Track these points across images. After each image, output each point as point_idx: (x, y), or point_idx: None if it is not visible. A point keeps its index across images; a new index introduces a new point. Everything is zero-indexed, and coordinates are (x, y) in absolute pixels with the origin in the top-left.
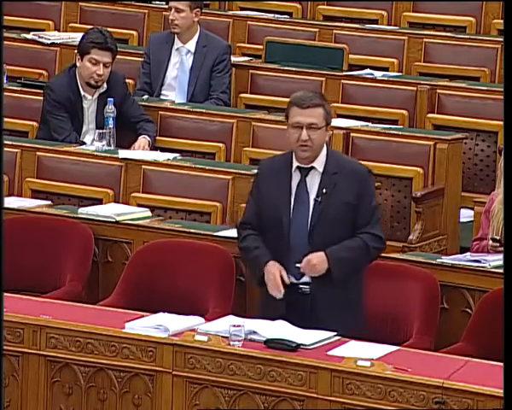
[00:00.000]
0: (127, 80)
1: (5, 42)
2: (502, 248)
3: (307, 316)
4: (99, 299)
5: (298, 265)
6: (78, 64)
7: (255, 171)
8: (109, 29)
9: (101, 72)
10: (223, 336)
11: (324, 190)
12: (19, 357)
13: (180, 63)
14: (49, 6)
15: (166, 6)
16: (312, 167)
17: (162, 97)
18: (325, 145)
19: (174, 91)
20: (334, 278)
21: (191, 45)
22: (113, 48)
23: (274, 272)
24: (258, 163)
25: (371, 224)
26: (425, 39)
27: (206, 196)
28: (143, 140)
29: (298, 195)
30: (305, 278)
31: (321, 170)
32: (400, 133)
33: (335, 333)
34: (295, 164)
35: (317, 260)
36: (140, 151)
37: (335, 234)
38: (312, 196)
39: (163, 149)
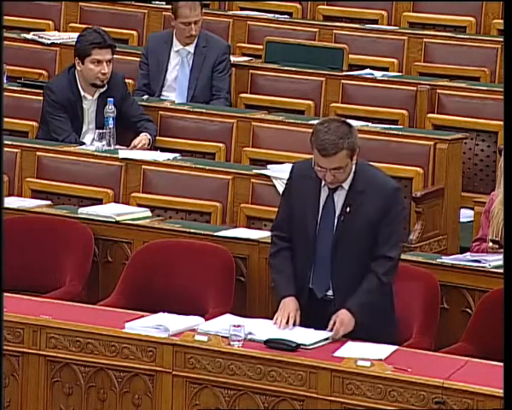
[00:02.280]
0: (127, 80)
1: (5, 42)
2: (501, 250)
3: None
4: (99, 299)
5: (329, 330)
6: (78, 68)
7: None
8: (109, 29)
9: (106, 70)
10: (223, 336)
11: (348, 209)
12: (19, 357)
13: (180, 65)
14: (49, 6)
15: (166, 6)
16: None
17: (162, 98)
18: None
19: (174, 92)
20: (357, 322)
21: (191, 47)
22: (112, 44)
23: (287, 312)
24: (257, 162)
25: (388, 245)
26: (425, 39)
27: (206, 196)
28: (144, 136)
29: (325, 210)
30: (329, 292)
31: (347, 188)
32: (400, 133)
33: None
34: None
35: (345, 322)
36: (140, 151)
37: (358, 251)
38: (338, 213)
39: (163, 149)
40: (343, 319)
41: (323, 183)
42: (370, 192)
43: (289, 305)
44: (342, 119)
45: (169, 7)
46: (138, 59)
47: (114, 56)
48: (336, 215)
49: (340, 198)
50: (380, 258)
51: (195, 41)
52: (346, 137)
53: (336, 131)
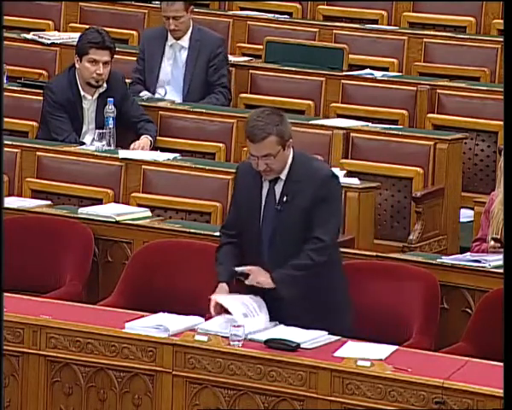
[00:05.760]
0: (127, 80)
1: (5, 42)
2: (502, 249)
3: (278, 315)
4: (99, 299)
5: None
6: (77, 65)
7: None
8: (109, 29)
9: (101, 71)
10: (223, 336)
11: (285, 199)
12: (19, 357)
13: (173, 59)
14: (49, 6)
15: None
16: (278, 177)
17: (157, 95)
18: (291, 153)
19: (169, 86)
20: (284, 297)
21: (185, 41)
22: (111, 46)
23: (213, 300)
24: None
25: (318, 226)
26: (425, 39)
27: (206, 196)
28: (145, 140)
29: (267, 203)
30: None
31: (284, 178)
32: (400, 133)
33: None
34: None
35: (257, 273)
36: (140, 151)
37: (296, 239)
38: (277, 203)
39: (163, 149)
40: (256, 273)
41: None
42: (305, 181)
43: (217, 290)
44: (274, 109)
45: None
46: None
47: (114, 56)
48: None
49: (279, 189)
50: (311, 239)
51: (188, 35)
52: (274, 123)
53: (265, 119)
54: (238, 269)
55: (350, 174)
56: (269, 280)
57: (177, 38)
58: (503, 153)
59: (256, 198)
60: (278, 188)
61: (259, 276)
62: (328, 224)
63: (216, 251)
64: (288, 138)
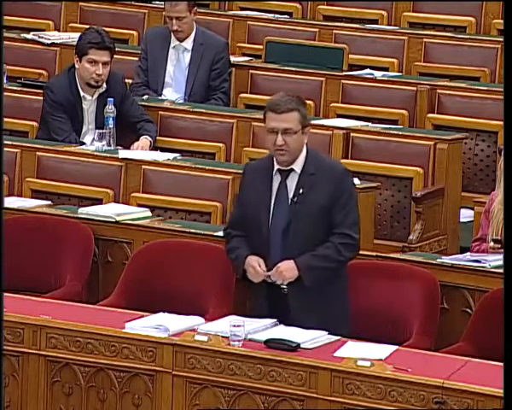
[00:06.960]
0: (127, 80)
1: (5, 42)
2: (502, 250)
3: (286, 316)
4: (99, 299)
5: (268, 273)
6: (76, 66)
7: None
8: (109, 29)
9: (101, 71)
10: (223, 336)
11: (301, 191)
12: (19, 357)
13: (177, 61)
14: (49, 6)
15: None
16: (292, 169)
17: (163, 97)
18: (305, 146)
19: (171, 88)
20: (306, 285)
21: (188, 43)
22: (111, 46)
23: (253, 265)
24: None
25: (345, 224)
26: (425, 39)
27: (206, 196)
28: (145, 140)
29: (278, 197)
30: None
31: (299, 171)
32: (400, 133)
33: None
34: (276, 167)
35: (284, 268)
36: (140, 151)
37: (311, 234)
38: (291, 196)
39: (163, 149)
40: (282, 264)
41: (275, 170)
42: (321, 175)
43: (252, 260)
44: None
45: None
46: (138, 59)
47: (114, 56)
48: (289, 199)
49: (292, 182)
50: (339, 234)
51: (192, 38)
52: (298, 103)
53: (290, 97)
54: (266, 274)
55: None
56: (293, 273)
57: (180, 40)
58: (503, 153)
59: (265, 195)
60: (291, 181)
61: (284, 270)
62: (356, 223)
63: (226, 244)
64: (307, 124)
